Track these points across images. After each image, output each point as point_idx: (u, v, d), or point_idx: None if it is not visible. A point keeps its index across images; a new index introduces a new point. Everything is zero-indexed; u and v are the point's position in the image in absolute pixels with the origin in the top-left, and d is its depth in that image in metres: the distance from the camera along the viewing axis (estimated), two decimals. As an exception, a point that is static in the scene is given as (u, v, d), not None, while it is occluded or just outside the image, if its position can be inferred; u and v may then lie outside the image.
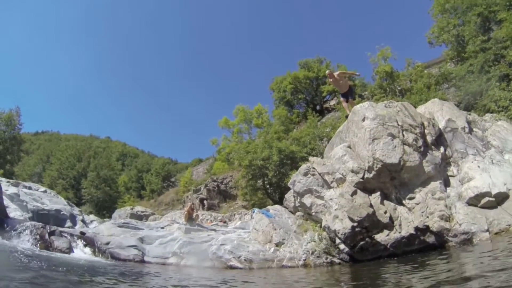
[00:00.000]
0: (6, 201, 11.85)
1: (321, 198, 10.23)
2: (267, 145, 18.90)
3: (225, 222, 16.54)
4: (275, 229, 10.38)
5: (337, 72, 11.65)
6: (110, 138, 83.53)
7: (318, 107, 31.59)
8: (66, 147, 54.12)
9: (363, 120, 9.99)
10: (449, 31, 19.57)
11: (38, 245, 8.91)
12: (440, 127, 10.24)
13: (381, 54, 23.45)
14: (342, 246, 8.79)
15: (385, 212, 8.60)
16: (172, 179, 45.33)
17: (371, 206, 8.68)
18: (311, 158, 11.93)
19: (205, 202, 25.45)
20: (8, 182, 15.69)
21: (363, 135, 9.66)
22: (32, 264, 5.87)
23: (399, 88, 22.24)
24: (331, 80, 11.55)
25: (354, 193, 9.11)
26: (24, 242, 8.85)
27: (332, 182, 10.08)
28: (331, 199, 9.74)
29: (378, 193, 9.07)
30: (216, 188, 26.80)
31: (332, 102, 31.39)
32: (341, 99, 11.90)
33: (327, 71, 11.67)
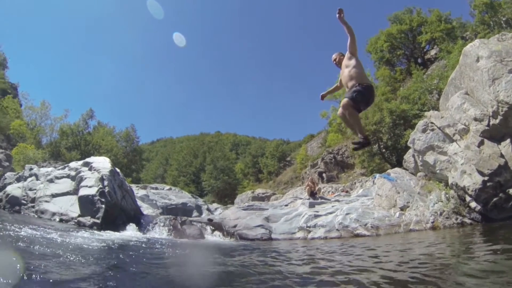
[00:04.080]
0: (139, 202, 14.15)
1: (444, 153, 10.06)
2: (377, 109, 18.76)
3: (347, 191, 16.89)
4: (399, 193, 10.53)
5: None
6: (220, 132, 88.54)
7: (419, 60, 29.95)
8: (181, 148, 60.82)
9: (477, 60, 9.36)
10: None
11: (172, 235, 10.40)
12: None
13: (475, -15, 20.97)
14: (473, 204, 8.58)
15: (519, 161, 8.13)
16: (288, 159, 46.99)
17: (502, 156, 8.33)
18: (427, 113, 11.67)
19: (323, 175, 26.12)
20: (137, 186, 18.70)
21: (480, 77, 9.11)
22: (171, 250, 7.00)
23: (504, 19, 19.86)
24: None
25: (481, 143, 8.79)
26: (160, 233, 10.45)
27: (454, 134, 9.82)
28: (455, 153, 9.53)
29: (508, 140, 8.56)
30: (333, 159, 27.27)
31: (433, 52, 29.31)
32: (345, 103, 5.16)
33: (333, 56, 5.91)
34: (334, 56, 5.85)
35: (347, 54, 5.42)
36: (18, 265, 3.37)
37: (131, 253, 5.88)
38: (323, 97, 6.43)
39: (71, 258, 4.28)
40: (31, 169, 13.18)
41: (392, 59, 30.84)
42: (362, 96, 5.14)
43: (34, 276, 3.19)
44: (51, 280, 3.14)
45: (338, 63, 5.76)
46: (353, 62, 5.33)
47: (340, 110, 5.40)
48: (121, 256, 5.32)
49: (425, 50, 30.03)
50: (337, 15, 5.04)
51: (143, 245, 7.27)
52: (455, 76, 10.91)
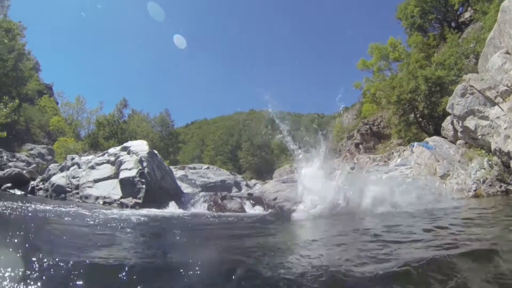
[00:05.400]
0: (178, 182, 14.66)
1: (486, 118, 9.65)
2: (411, 76, 18.04)
3: (385, 162, 16.62)
4: (438, 161, 10.24)
5: None
6: (254, 110, 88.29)
7: (453, 24, 28.29)
8: (217, 128, 61.59)
9: (517, 16, 8.77)
10: None
11: (214, 209, 10.70)
12: None
13: None
14: (518, 171, 8.21)
15: None
16: (324, 132, 46.58)
17: (548, 116, 7.88)
18: (465, 76, 11.15)
19: (360, 146, 25.79)
20: (175, 168, 19.16)
21: (521, 34, 8.55)
22: (216, 220, 7.28)
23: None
24: None
25: (525, 104, 8.34)
26: (201, 209, 10.84)
27: (496, 97, 9.36)
28: (497, 117, 9.11)
29: (555, 99, 8.07)
30: (369, 130, 26.83)
31: (467, 14, 27.54)
32: None
33: None
34: None
35: None
36: (63, 233, 3.61)
37: (173, 224, 6.24)
38: None
39: (114, 227, 4.54)
40: (72, 158, 13.86)
41: (424, 25, 29.37)
42: None
43: (80, 240, 3.44)
44: (98, 244, 3.37)
45: None
46: None
47: None
48: (163, 226, 5.63)
49: (458, 12, 28.40)
50: None
51: (185, 218, 7.62)
52: (493, 35, 10.24)
